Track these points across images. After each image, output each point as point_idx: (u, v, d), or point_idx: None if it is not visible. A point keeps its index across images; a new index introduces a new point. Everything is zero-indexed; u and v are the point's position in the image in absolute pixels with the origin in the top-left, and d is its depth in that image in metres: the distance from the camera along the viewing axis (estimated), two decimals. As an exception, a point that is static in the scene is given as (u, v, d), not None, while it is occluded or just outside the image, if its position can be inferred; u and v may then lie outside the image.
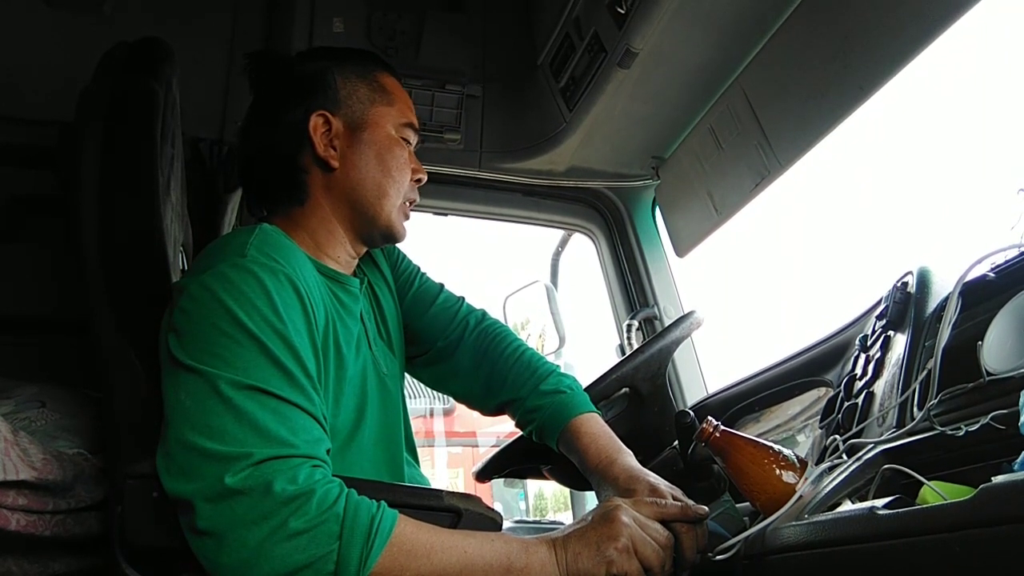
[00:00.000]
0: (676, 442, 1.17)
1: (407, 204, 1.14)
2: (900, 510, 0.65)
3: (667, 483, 1.01)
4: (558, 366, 1.23)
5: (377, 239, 1.15)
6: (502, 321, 1.30)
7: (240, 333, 0.85)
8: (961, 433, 0.77)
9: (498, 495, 6.38)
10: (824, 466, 0.90)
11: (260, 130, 1.10)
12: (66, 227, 1.36)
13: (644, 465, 1.07)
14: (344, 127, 1.09)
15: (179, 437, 0.82)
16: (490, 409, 1.26)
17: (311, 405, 0.87)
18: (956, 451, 0.79)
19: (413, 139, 1.16)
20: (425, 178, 1.17)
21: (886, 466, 0.82)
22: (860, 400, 1.05)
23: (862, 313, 1.26)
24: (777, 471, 0.92)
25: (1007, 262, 0.94)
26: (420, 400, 6.04)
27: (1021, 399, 0.69)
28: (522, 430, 1.23)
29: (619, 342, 2.13)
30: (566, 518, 3.76)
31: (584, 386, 1.24)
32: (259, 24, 1.83)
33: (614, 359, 1.77)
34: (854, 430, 1.01)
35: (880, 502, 0.69)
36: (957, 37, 1.21)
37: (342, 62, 1.12)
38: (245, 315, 0.86)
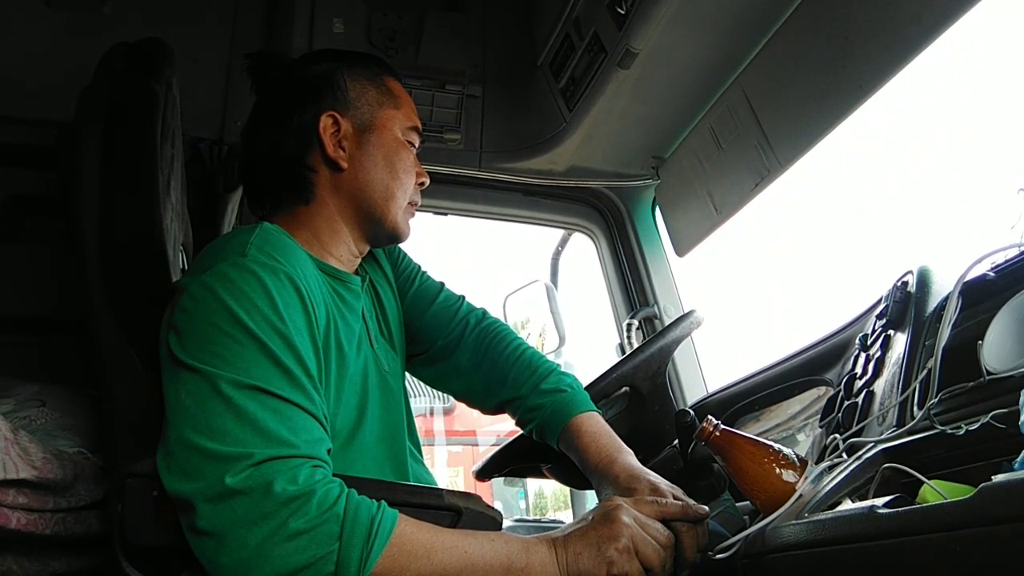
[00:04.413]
0: (676, 441, 1.17)
1: (411, 206, 1.15)
2: (900, 509, 0.65)
3: (667, 482, 1.01)
4: (558, 365, 1.23)
5: (382, 239, 1.15)
6: (502, 320, 1.31)
7: (241, 332, 0.85)
8: (961, 432, 0.77)
9: (498, 494, 6.38)
10: (824, 465, 0.90)
11: (267, 130, 1.10)
12: (66, 227, 1.36)
13: (644, 464, 1.07)
14: (353, 128, 1.09)
15: (180, 436, 0.82)
16: (490, 408, 1.26)
17: (312, 405, 0.87)
18: (956, 450, 0.79)
19: (417, 142, 1.17)
20: (428, 181, 1.18)
21: (886, 465, 0.82)
22: (860, 399, 1.05)
23: (862, 312, 1.26)
24: (777, 470, 0.92)
25: (1007, 262, 0.94)
26: (420, 399, 6.04)
27: (1021, 398, 0.69)
28: (522, 429, 1.23)
29: (619, 341, 2.13)
30: (566, 517, 3.76)
31: (584, 385, 1.24)
32: (259, 24, 1.84)
33: (614, 358, 1.77)
34: (854, 429, 1.01)
35: (880, 501, 0.69)
36: (957, 37, 1.21)
37: (350, 64, 1.13)
38: (246, 314, 0.86)
